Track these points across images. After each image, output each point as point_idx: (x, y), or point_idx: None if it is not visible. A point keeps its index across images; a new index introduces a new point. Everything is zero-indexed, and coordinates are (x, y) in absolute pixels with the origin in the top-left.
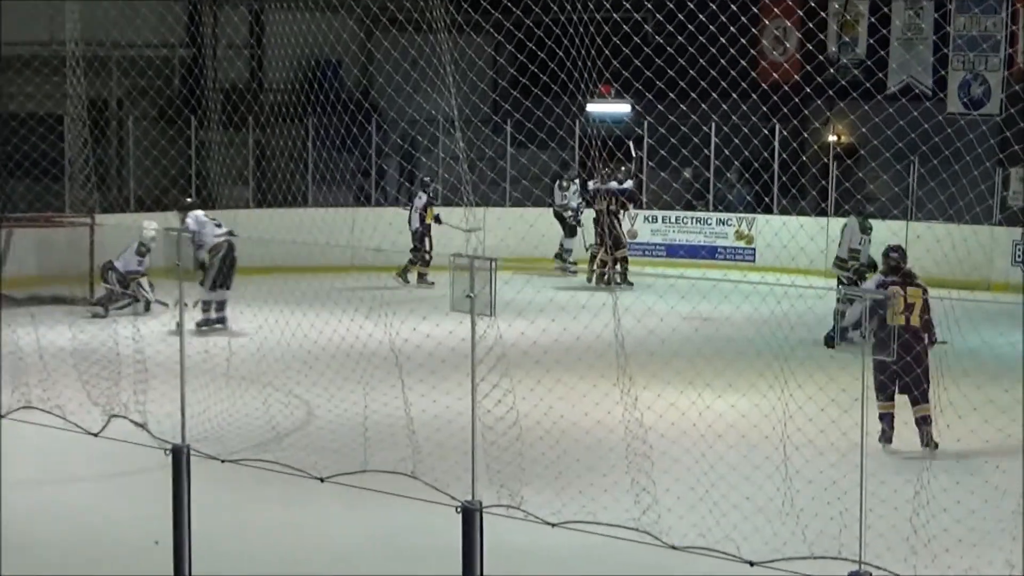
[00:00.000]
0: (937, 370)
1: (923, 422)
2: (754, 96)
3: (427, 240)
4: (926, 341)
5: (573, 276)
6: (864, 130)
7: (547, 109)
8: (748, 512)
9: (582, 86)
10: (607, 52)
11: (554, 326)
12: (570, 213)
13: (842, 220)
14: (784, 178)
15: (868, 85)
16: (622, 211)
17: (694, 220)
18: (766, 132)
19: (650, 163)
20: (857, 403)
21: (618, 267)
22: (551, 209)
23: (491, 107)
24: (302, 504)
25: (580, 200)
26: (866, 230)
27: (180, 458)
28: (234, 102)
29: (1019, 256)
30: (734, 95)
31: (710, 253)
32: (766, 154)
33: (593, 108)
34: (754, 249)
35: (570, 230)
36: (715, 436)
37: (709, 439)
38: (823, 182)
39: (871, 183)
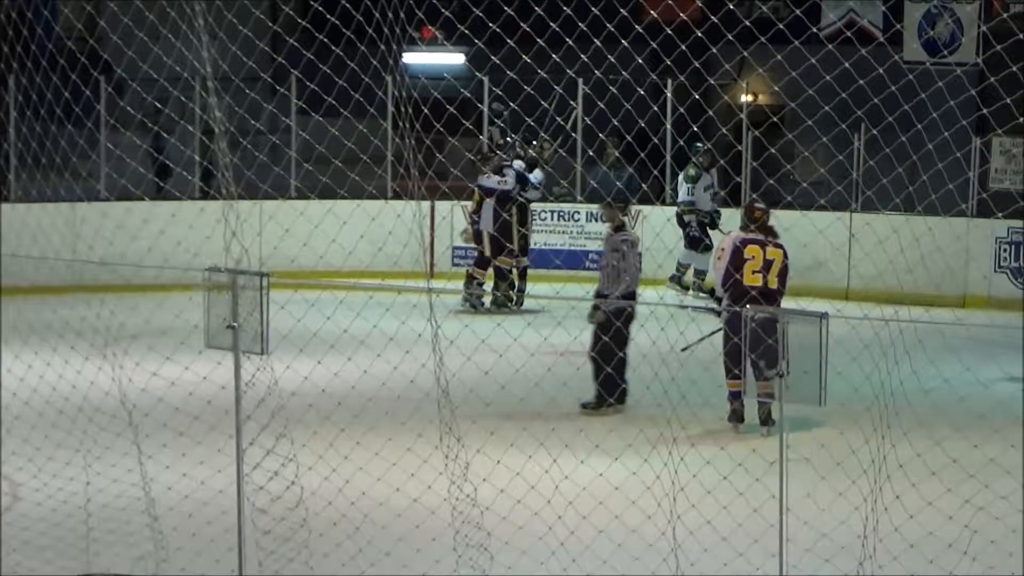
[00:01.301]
0: (881, 421)
1: (766, 397)
2: (625, 43)
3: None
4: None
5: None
6: (776, 88)
7: (338, 63)
8: None
9: (386, 29)
10: None
11: (350, 367)
12: (704, 212)
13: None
14: (670, 156)
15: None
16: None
17: (555, 215)
18: (642, 92)
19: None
20: (773, 468)
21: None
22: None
23: (261, 61)
24: None
25: (715, 193)
26: None
27: None
28: None
29: (1006, 259)
30: (597, 41)
31: (574, 260)
32: (643, 123)
33: (413, 59)
34: (640, 254)
35: (697, 241)
36: (578, 518)
37: (570, 522)
38: (722, 162)
39: (791, 161)
